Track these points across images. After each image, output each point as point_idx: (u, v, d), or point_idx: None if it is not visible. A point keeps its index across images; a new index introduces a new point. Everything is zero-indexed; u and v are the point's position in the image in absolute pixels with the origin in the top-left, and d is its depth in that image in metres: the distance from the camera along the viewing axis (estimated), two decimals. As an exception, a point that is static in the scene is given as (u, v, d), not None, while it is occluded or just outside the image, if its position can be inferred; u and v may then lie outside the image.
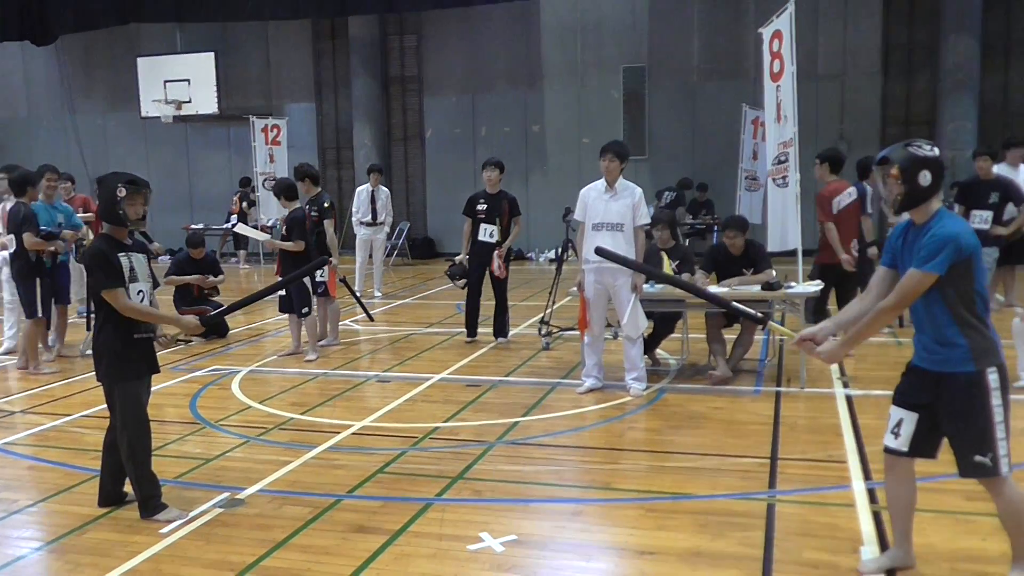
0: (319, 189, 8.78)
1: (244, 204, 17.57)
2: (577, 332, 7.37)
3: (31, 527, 4.47)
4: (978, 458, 3.32)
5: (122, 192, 4.34)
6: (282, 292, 8.39)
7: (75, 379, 7.75)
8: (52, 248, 7.87)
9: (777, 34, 7.82)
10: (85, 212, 10.52)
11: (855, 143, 16.12)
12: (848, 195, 7.70)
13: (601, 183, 6.71)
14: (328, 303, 8.96)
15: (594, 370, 6.84)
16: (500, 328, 8.87)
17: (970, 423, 3.33)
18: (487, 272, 8.83)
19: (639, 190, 6.70)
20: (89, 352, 8.71)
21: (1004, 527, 3.48)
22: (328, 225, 8.63)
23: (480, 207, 8.79)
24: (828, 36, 16.28)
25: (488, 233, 8.73)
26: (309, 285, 8.33)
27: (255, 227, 16.53)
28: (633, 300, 6.56)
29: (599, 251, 5.49)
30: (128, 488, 4.56)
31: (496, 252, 8.73)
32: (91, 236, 8.72)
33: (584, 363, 6.93)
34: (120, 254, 4.37)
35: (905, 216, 3.51)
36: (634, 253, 6.55)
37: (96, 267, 4.31)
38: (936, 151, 3.42)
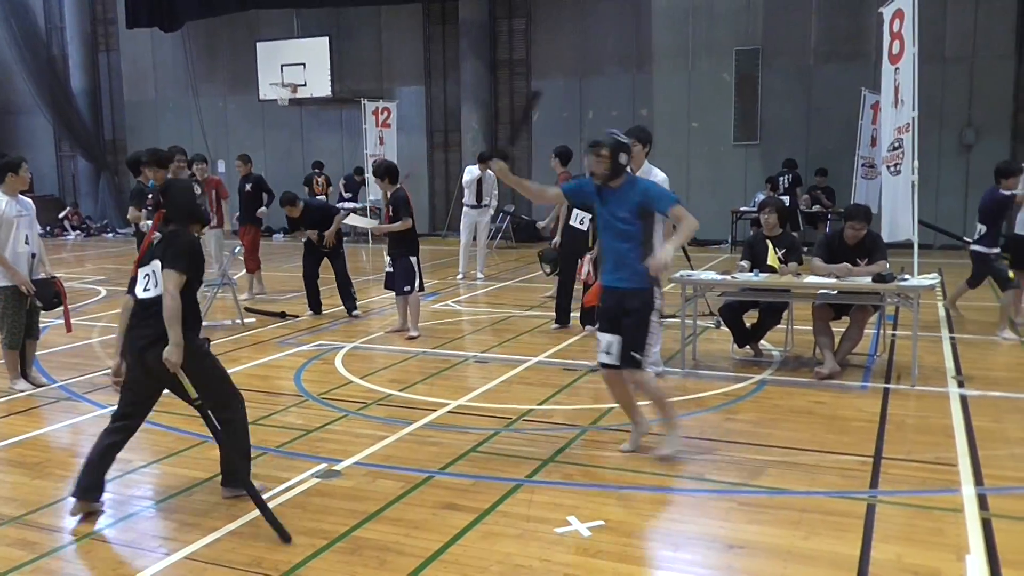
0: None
1: (334, 187, 18.27)
2: (678, 319, 7.25)
3: (143, 486, 4.74)
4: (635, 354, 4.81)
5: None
6: (387, 270, 8.57)
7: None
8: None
9: (898, 13, 7.45)
10: (217, 195, 10.97)
11: (984, 130, 15.27)
12: None
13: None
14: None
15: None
16: (590, 316, 8.71)
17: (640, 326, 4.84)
18: (579, 261, 8.64)
19: (663, 175, 6.59)
20: (241, 321, 9.22)
21: (654, 405, 5.09)
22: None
23: None
24: (957, 16, 15.38)
25: (580, 219, 8.57)
26: (416, 266, 8.46)
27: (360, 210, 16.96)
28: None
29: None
30: None
31: (587, 257, 8.30)
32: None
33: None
34: None
35: None
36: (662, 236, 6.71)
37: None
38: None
